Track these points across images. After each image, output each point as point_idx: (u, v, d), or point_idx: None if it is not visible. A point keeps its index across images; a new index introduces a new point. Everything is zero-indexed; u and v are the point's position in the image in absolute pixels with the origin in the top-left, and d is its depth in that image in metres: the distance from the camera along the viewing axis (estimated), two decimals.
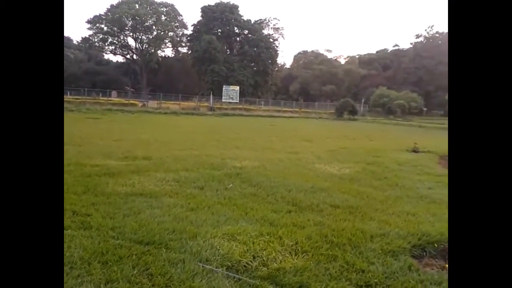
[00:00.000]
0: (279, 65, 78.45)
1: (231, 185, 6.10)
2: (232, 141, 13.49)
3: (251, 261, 3.19)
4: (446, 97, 38.39)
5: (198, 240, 3.60)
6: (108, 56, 78.82)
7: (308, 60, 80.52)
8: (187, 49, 70.64)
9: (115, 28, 65.68)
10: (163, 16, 69.05)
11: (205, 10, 63.74)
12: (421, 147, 12.68)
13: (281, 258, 3.29)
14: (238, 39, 68.03)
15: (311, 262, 3.23)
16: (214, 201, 5.08)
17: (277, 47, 68.01)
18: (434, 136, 21.90)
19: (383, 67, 73.38)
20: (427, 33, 68.21)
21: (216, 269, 3.03)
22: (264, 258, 3.26)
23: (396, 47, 77.11)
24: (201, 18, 64.31)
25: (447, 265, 3.41)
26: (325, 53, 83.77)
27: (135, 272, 2.92)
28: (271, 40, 67.17)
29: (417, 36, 69.51)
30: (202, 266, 3.06)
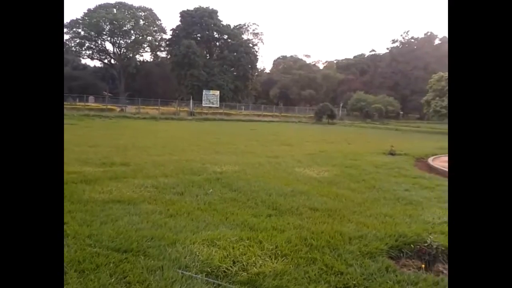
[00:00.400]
0: (259, 70, 78.90)
1: (211, 190, 6.07)
2: (213, 146, 13.44)
3: (231, 266, 3.19)
4: (422, 100, 39.42)
5: (177, 246, 3.57)
6: (86, 61, 77.28)
7: (287, 65, 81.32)
8: (166, 54, 70.16)
9: (93, 33, 64.49)
10: (141, 20, 68.37)
11: (184, 15, 63.51)
12: (397, 150, 12.97)
13: (261, 262, 3.30)
14: (217, 43, 68.08)
15: (291, 266, 3.25)
16: (194, 207, 5.05)
17: (256, 52, 68.42)
18: (410, 139, 22.46)
19: (361, 72, 74.87)
20: (403, 38, 70.22)
21: (196, 275, 3.01)
22: (244, 263, 3.26)
23: (373, 52, 78.96)
24: (180, 23, 64.03)
25: (423, 266, 3.50)
26: (304, 58, 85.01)
27: (113, 280, 2.86)
28: (250, 45, 67.49)
29: (393, 41, 71.49)
30: (181, 273, 3.03)
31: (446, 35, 70.60)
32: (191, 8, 64.21)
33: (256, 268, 3.17)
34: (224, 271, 3.12)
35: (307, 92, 69.87)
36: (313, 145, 15.77)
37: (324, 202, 5.58)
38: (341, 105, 55.70)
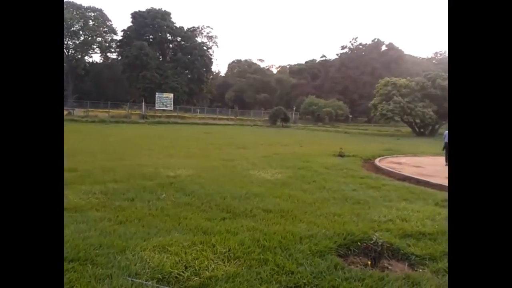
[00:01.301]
0: (214, 73, 78.66)
1: (163, 195, 5.96)
2: (166, 150, 13.18)
3: (182, 272, 3.15)
4: (369, 104, 41.44)
5: (127, 254, 3.47)
6: None
7: (242, 69, 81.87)
8: (117, 55, 67.69)
9: None
10: (90, 21, 65.50)
11: (136, 16, 61.70)
12: (346, 152, 13.53)
13: (213, 266, 3.30)
14: (171, 46, 66.86)
15: (243, 268, 3.29)
16: (145, 213, 4.92)
17: (211, 55, 68.17)
18: (359, 141, 23.52)
19: (312, 77, 77.06)
20: (352, 44, 73.35)
21: (146, 283, 2.94)
22: (196, 267, 3.25)
23: (324, 58, 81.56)
24: (131, 24, 62.10)
25: (369, 262, 3.69)
26: (258, 63, 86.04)
27: None
28: (205, 48, 67.05)
29: (343, 48, 74.41)
30: (131, 280, 2.95)
31: (392, 41, 74.91)
32: (143, 10, 62.64)
33: (208, 272, 3.17)
34: (176, 277, 3.08)
35: (262, 95, 70.71)
36: (268, 148, 16.00)
37: (277, 204, 5.69)
38: (294, 108, 56.96)
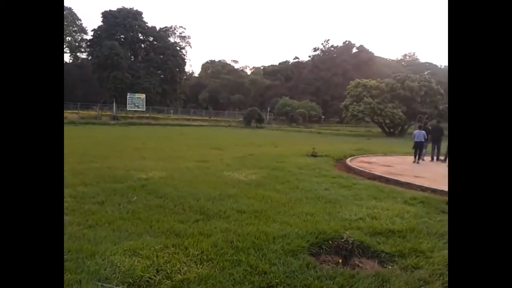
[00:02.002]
0: (188, 74, 77.87)
1: (135, 198, 5.84)
2: (138, 152, 12.92)
3: (154, 275, 3.11)
4: (341, 105, 42.30)
5: (96, 258, 3.38)
6: None
7: (216, 70, 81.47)
8: (87, 55, 65.81)
9: None
10: None
11: (107, 15, 60.19)
12: (319, 152, 13.74)
13: (185, 269, 3.27)
14: (143, 45, 65.69)
15: (216, 270, 3.28)
16: (116, 216, 4.81)
17: (184, 55, 67.53)
18: (331, 142, 23.94)
19: (286, 78, 77.77)
20: (324, 46, 74.54)
21: (116, 287, 2.88)
22: (168, 270, 3.21)
23: (297, 59, 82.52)
24: (102, 24, 60.51)
25: (340, 260, 3.77)
26: (232, 63, 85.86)
27: None
28: (178, 48, 66.33)
29: (315, 50, 75.51)
30: (101, 285, 2.88)
31: (363, 43, 76.69)
32: (114, 9, 61.21)
33: (180, 275, 3.14)
34: (147, 281, 3.03)
35: (236, 96, 70.66)
36: (242, 148, 16.00)
37: (251, 204, 5.71)
38: (268, 109, 57.30)
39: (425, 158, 14.28)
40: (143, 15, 63.47)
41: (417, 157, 13.57)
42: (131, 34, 62.26)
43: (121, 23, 60.34)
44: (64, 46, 65.48)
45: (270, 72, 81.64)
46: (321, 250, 4.02)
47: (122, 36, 61.42)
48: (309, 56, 77.29)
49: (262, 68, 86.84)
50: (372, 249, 4.07)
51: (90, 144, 15.16)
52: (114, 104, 41.58)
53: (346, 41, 73.24)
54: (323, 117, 62.30)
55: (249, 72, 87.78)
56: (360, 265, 3.75)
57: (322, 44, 75.43)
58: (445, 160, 13.81)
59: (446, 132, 14.28)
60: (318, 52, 74.78)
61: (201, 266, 3.34)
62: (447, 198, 6.78)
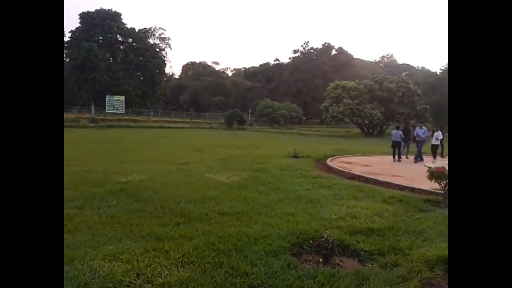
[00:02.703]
0: (168, 75, 77.05)
1: (114, 202, 5.75)
2: (117, 155, 12.70)
3: (134, 280, 3.07)
4: (321, 107, 42.78)
5: (75, 264, 3.31)
6: None
7: (197, 71, 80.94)
8: (65, 57, 64.15)
9: None
10: None
11: (84, 16, 58.95)
12: (300, 153, 13.86)
13: (166, 272, 3.24)
14: (121, 47, 64.63)
15: (197, 272, 3.27)
16: (95, 221, 4.72)
17: (164, 56, 66.78)
18: (312, 142, 24.17)
19: (267, 80, 78.07)
20: (303, 48, 75.21)
21: None
22: (149, 274, 3.18)
23: (277, 61, 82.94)
24: (79, 25, 59.23)
25: (320, 260, 3.81)
26: (213, 65, 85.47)
27: None
28: (157, 49, 65.59)
29: (295, 52, 76.10)
30: None
31: (342, 45, 77.77)
32: (92, 10, 60.04)
33: (161, 278, 3.11)
34: (128, 285, 2.99)
35: (218, 98, 70.39)
36: (224, 150, 15.95)
37: (233, 206, 5.71)
38: (250, 111, 57.35)
39: (402, 157, 14.63)
40: (121, 17, 62.51)
41: (395, 156, 13.95)
42: (110, 35, 61.20)
43: (100, 24, 59.25)
44: None
45: (251, 73, 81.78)
46: (302, 250, 4.06)
47: (100, 37, 60.32)
48: (290, 58, 77.92)
49: (243, 69, 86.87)
50: (352, 247, 4.13)
51: (68, 148, 14.79)
52: (92, 106, 40.70)
53: (325, 43, 74.22)
54: (304, 118, 62.87)
55: (230, 73, 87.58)
56: (340, 263, 3.81)
57: (302, 46, 75.98)
58: (415, 160, 14.13)
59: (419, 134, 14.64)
60: (298, 54, 75.41)
61: (182, 269, 3.32)
62: (424, 196, 6.97)
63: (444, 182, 6.40)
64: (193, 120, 51.98)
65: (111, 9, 61.57)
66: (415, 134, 15.13)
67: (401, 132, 14.11)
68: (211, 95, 71.63)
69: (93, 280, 3.01)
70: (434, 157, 13.90)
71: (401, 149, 14.43)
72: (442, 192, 6.52)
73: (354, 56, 77.66)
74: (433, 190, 7.22)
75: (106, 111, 42.72)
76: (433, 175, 6.50)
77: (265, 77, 78.96)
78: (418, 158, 14.24)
